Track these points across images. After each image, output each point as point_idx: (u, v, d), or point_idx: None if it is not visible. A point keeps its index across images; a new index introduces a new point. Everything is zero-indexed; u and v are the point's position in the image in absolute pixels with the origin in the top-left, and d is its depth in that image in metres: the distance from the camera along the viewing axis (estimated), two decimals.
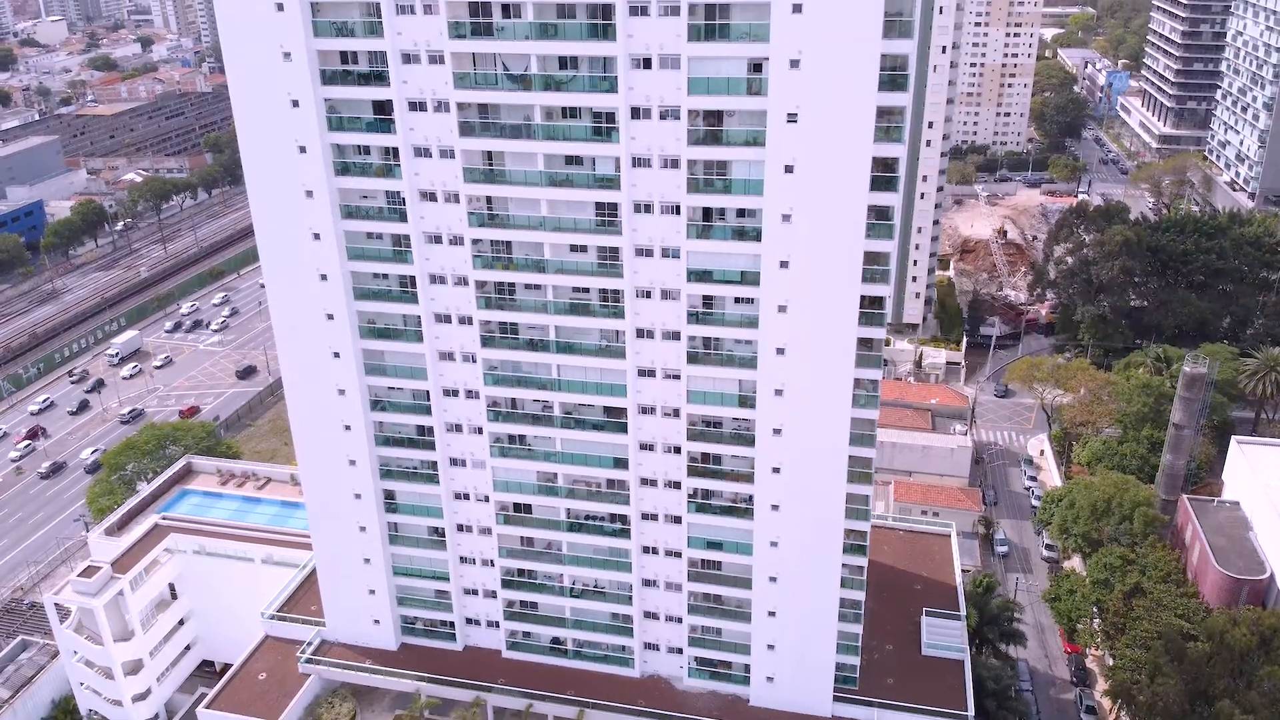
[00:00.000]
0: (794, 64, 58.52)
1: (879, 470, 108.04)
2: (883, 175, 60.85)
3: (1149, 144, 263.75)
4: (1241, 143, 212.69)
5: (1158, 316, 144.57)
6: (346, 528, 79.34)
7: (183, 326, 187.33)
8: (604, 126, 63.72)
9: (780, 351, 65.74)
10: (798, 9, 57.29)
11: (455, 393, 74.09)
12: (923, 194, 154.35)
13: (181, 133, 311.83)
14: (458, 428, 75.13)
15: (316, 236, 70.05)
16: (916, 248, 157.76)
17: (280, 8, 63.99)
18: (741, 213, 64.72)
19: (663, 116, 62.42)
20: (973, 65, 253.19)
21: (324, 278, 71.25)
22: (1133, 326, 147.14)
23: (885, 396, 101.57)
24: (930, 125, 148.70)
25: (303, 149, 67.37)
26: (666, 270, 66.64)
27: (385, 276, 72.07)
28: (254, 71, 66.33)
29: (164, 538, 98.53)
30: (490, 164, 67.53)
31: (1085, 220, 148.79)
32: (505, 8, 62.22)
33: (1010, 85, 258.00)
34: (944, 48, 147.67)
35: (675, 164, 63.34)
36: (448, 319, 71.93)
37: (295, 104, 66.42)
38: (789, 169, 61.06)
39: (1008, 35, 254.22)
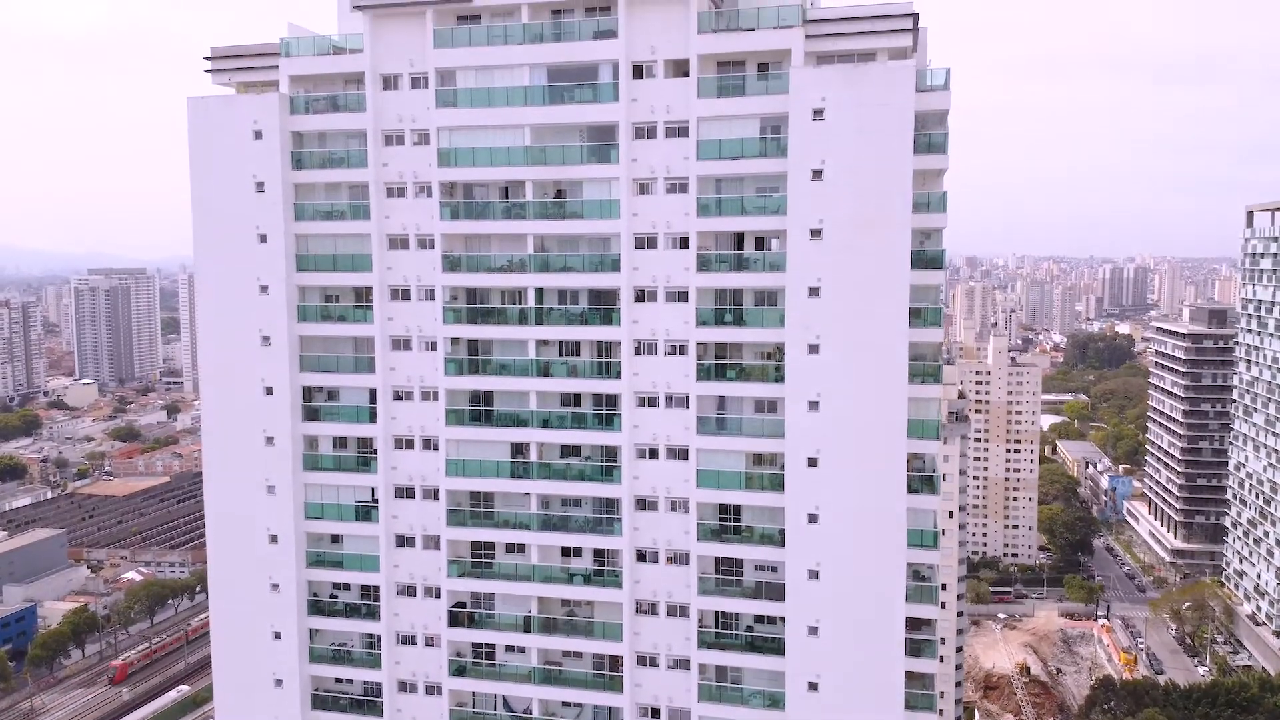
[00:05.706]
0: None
1: None
2: None
3: (1162, 557, 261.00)
4: (1259, 576, 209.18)
5: None
6: None
7: None
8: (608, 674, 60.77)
9: None
10: (813, 575, 56.81)
11: None
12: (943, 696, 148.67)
13: (190, 518, 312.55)
14: None
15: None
16: None
17: (276, 588, 63.65)
18: None
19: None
20: (976, 479, 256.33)
21: None
22: None
23: None
24: (943, 605, 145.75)
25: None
26: None
27: None
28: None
29: None
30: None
31: (1114, 697, 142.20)
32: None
33: (1015, 499, 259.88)
34: (950, 512, 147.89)
35: None
36: None
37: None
38: None
39: (1008, 450, 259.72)
